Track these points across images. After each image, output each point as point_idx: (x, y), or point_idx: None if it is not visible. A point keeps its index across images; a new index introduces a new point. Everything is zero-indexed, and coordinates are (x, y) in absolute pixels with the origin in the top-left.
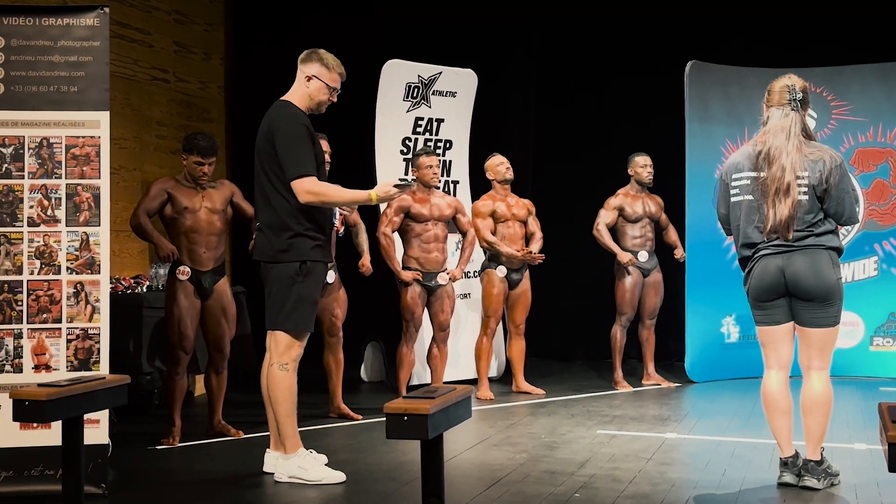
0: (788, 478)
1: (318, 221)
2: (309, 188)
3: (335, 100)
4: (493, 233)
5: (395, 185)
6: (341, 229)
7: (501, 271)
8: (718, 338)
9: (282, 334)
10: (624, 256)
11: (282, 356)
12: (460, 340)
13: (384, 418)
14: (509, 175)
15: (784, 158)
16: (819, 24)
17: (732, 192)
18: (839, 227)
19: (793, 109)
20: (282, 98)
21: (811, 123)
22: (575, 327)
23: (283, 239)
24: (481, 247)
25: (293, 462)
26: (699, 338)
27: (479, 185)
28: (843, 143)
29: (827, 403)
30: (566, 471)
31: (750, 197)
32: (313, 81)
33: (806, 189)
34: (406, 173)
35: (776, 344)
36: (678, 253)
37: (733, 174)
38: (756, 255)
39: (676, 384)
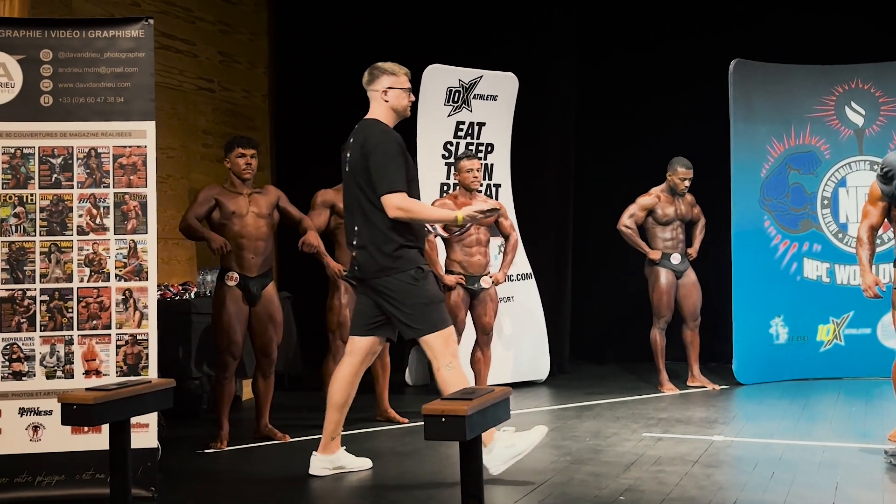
0: None
1: (416, 232)
2: (399, 204)
3: (413, 98)
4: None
5: (482, 211)
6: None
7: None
8: (767, 339)
9: (432, 337)
10: (654, 254)
11: (444, 356)
12: (504, 344)
13: None
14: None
15: None
16: (865, 19)
17: None
18: None
19: None
20: (367, 117)
21: (859, 121)
22: (615, 330)
23: (390, 252)
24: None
25: (499, 446)
26: (747, 339)
27: (521, 188)
28: (893, 139)
29: None
30: (611, 473)
31: None
32: (390, 93)
33: None
34: (448, 177)
35: None
36: (691, 251)
37: None
38: None
39: (723, 386)
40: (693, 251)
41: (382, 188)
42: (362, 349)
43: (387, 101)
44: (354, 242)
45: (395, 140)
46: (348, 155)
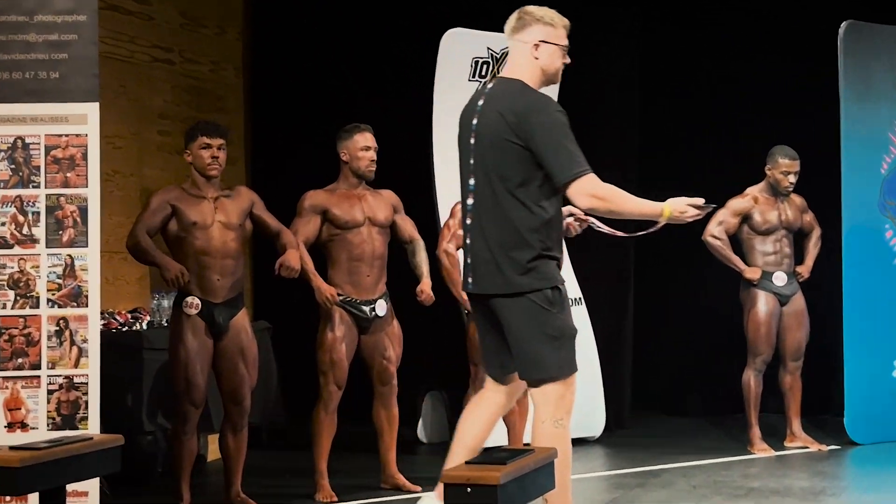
0: None
1: (556, 238)
2: (594, 191)
3: (568, 61)
4: None
5: (698, 206)
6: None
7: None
8: (889, 385)
9: (553, 385)
10: (752, 272)
11: (557, 410)
12: None
13: None
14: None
15: None
16: None
17: None
18: None
19: None
20: (507, 76)
21: None
22: (691, 372)
23: (524, 262)
24: None
25: None
26: (863, 386)
27: None
28: None
29: None
30: None
31: None
32: (543, 48)
33: None
34: None
35: None
36: (801, 270)
37: None
38: None
39: (833, 447)
40: (805, 270)
41: (567, 173)
42: (505, 388)
43: (537, 59)
44: (468, 242)
45: (561, 110)
46: (475, 122)
